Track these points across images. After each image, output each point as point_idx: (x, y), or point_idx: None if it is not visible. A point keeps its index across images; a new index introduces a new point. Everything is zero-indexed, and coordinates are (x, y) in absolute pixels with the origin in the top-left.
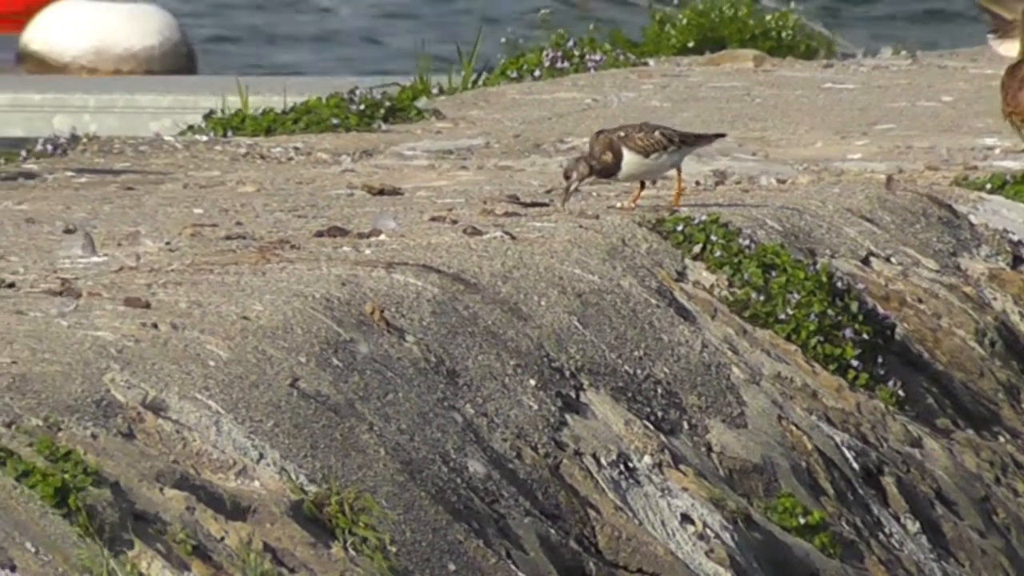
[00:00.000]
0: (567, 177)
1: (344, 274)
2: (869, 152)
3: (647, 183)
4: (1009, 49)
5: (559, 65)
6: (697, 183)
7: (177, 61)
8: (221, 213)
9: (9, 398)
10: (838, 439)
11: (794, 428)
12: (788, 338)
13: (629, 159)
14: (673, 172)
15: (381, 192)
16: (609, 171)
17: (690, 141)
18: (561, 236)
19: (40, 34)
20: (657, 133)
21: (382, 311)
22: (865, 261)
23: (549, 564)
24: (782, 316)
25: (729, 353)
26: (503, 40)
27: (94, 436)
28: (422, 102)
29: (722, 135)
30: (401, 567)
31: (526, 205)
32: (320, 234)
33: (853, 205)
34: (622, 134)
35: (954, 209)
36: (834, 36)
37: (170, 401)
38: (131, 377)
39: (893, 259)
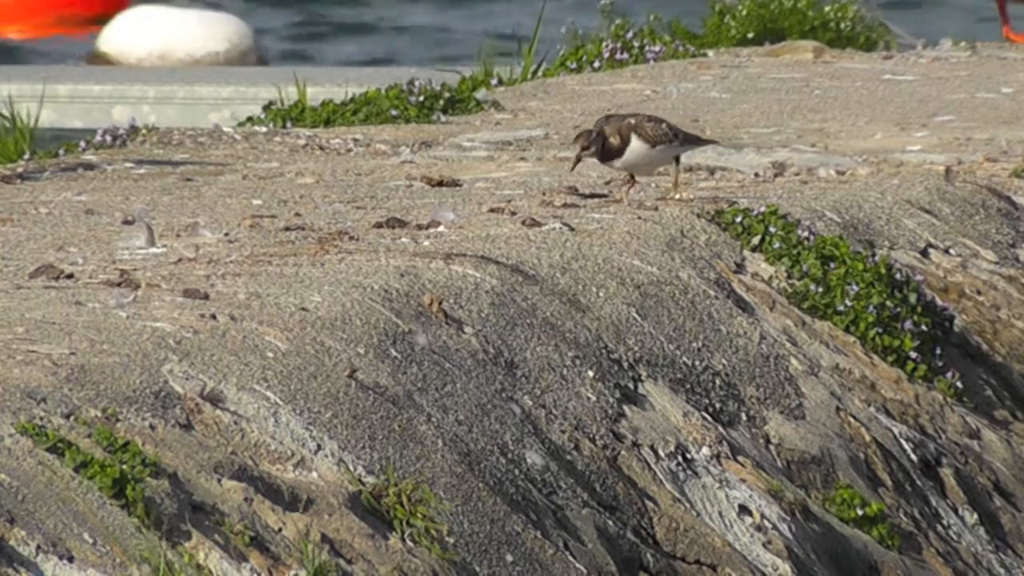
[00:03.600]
0: (582, 147)
1: (403, 265)
2: (928, 144)
3: (636, 178)
4: None
5: (619, 56)
6: (756, 175)
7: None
8: (280, 204)
9: (68, 389)
10: (896, 431)
11: (852, 420)
12: (847, 330)
13: (635, 146)
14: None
15: (440, 183)
16: (612, 155)
17: (691, 140)
18: (620, 227)
19: (110, 36)
20: (664, 125)
21: (440, 302)
22: (924, 253)
23: (607, 555)
24: (841, 308)
25: (788, 345)
26: (563, 30)
27: (152, 427)
28: (481, 93)
29: (715, 142)
30: (459, 558)
31: (585, 196)
32: (379, 225)
33: (912, 197)
34: (633, 121)
35: (1013, 201)
36: (892, 28)
37: (228, 392)
38: (189, 368)
39: (952, 251)
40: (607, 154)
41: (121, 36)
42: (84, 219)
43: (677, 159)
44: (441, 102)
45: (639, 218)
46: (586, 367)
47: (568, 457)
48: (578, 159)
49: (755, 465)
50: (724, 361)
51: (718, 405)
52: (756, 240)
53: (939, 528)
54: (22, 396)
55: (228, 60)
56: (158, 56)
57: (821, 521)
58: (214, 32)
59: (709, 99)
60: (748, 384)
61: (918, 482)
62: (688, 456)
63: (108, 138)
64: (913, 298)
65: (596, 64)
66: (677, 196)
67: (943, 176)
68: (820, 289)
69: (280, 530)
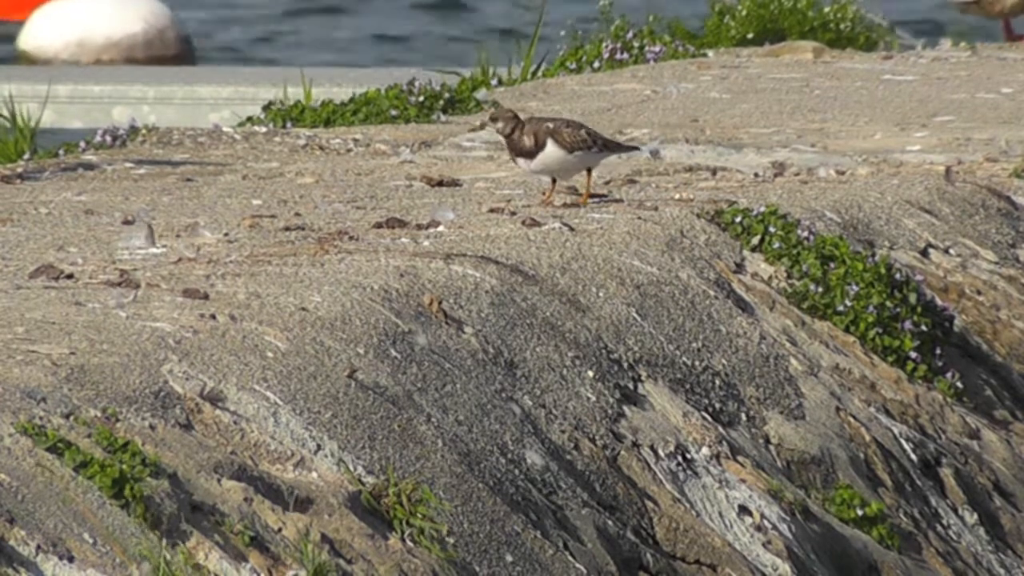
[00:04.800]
0: (491, 118)
1: (403, 265)
2: (928, 144)
3: (557, 180)
4: None
5: (618, 56)
6: (756, 175)
7: (166, 48)
8: (280, 204)
9: (67, 389)
10: (896, 431)
11: (852, 420)
12: (847, 330)
13: (550, 151)
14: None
15: (440, 183)
16: (523, 154)
17: (611, 147)
18: (620, 227)
19: (29, 33)
20: (583, 131)
21: (440, 302)
22: (924, 253)
23: (607, 555)
24: (840, 308)
25: (787, 345)
26: (562, 32)
27: (152, 427)
28: (481, 93)
29: (636, 148)
30: (458, 558)
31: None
32: (379, 225)
33: (912, 197)
34: (551, 126)
35: (1013, 201)
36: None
37: (228, 392)
38: (189, 368)
39: (952, 251)
40: (518, 151)
41: (39, 32)
42: (84, 219)
43: (589, 169)
44: (441, 102)
45: (639, 218)
46: (586, 367)
47: (568, 457)
48: (491, 119)
49: (755, 465)
50: (724, 361)
51: (718, 405)
52: (756, 240)
53: (939, 528)
54: (22, 396)
55: (147, 40)
56: (76, 44)
57: (821, 521)
58: (130, 14)
59: (709, 99)
60: (748, 384)
61: (918, 482)
62: (688, 456)
63: (108, 138)
64: (913, 298)
65: (596, 64)
66: (585, 202)
67: (943, 176)
68: (820, 289)
69: (280, 530)
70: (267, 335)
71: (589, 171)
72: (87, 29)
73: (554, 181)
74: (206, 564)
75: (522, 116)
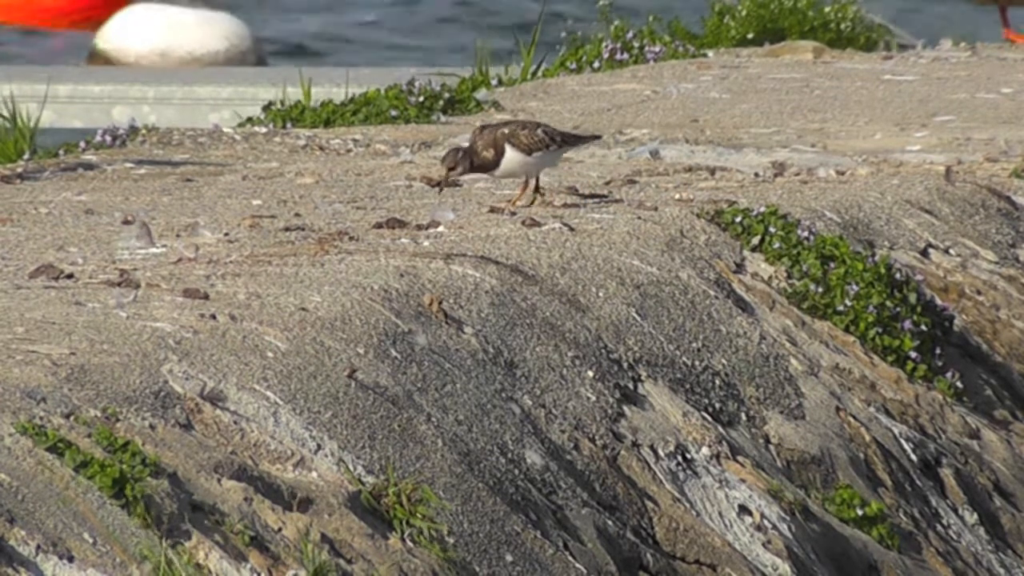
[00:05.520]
0: (449, 168)
1: (403, 265)
2: (928, 144)
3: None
4: None
5: (618, 57)
6: (756, 175)
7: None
8: (280, 204)
9: (68, 389)
10: (896, 431)
11: (852, 420)
12: (846, 330)
13: (511, 156)
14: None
15: (440, 184)
16: (488, 167)
17: (570, 141)
18: (620, 227)
19: (110, 34)
20: (540, 131)
21: (440, 302)
22: (924, 253)
23: (607, 555)
24: (840, 308)
25: (787, 345)
26: (563, 32)
27: (152, 427)
28: (481, 93)
29: (598, 137)
30: (458, 558)
31: (585, 196)
32: (379, 225)
33: (912, 197)
34: (507, 131)
35: (1013, 201)
36: (892, 27)
37: (228, 392)
38: (189, 368)
39: (952, 251)
40: (482, 167)
41: (120, 34)
42: (84, 219)
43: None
44: (441, 102)
45: (639, 218)
46: (586, 367)
47: (568, 457)
48: (445, 182)
49: (755, 465)
50: (724, 361)
51: (718, 405)
52: (756, 240)
53: (939, 528)
54: (22, 396)
55: (228, 59)
56: (158, 54)
57: (821, 521)
58: (213, 31)
59: (709, 99)
60: (748, 384)
61: (918, 482)
62: (688, 456)
63: (108, 138)
64: (913, 298)
65: (596, 64)
66: (520, 203)
67: (943, 176)
68: (820, 289)
69: (280, 530)
70: (267, 335)
71: (536, 178)
72: (170, 40)
73: (526, 183)
74: (206, 564)
75: (469, 137)
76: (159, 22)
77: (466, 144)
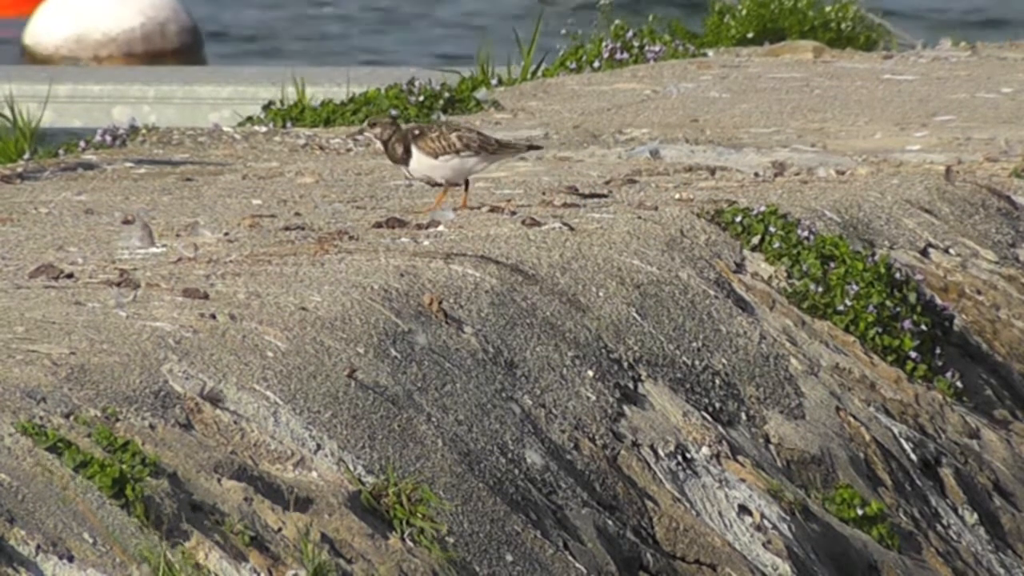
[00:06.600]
0: (370, 124)
1: (402, 265)
2: (928, 143)
3: (448, 184)
4: None
5: (618, 56)
6: (756, 175)
7: (166, 42)
8: (280, 204)
9: (67, 389)
10: (896, 430)
11: (852, 419)
12: (846, 329)
13: (417, 158)
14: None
15: (440, 183)
16: (397, 160)
17: (493, 150)
18: (620, 227)
19: (31, 29)
20: (453, 136)
21: (440, 302)
22: (924, 252)
23: (607, 555)
24: (840, 307)
25: (787, 344)
26: (563, 31)
27: (152, 427)
28: (481, 93)
29: (537, 147)
30: (458, 558)
31: (585, 196)
32: (379, 225)
33: (912, 196)
34: (416, 132)
35: (1013, 201)
36: (892, 27)
37: (228, 392)
38: (189, 368)
39: (952, 250)
40: (392, 159)
41: (40, 27)
42: (84, 219)
43: (466, 181)
44: (441, 102)
45: (639, 218)
46: (586, 367)
47: (568, 457)
48: (368, 127)
49: (755, 465)
50: (724, 361)
51: (718, 405)
52: (756, 240)
53: (939, 527)
54: (22, 396)
55: (145, 34)
56: (75, 41)
57: (821, 521)
58: (130, 10)
59: (709, 99)
60: (748, 384)
61: (918, 482)
62: (688, 456)
63: (108, 138)
64: (913, 298)
65: (596, 64)
66: (433, 211)
67: (943, 176)
68: (820, 289)
69: (280, 530)
70: (267, 335)
71: (467, 183)
72: (86, 25)
73: (466, 184)
74: (206, 564)
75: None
76: (73, 9)
77: (396, 127)
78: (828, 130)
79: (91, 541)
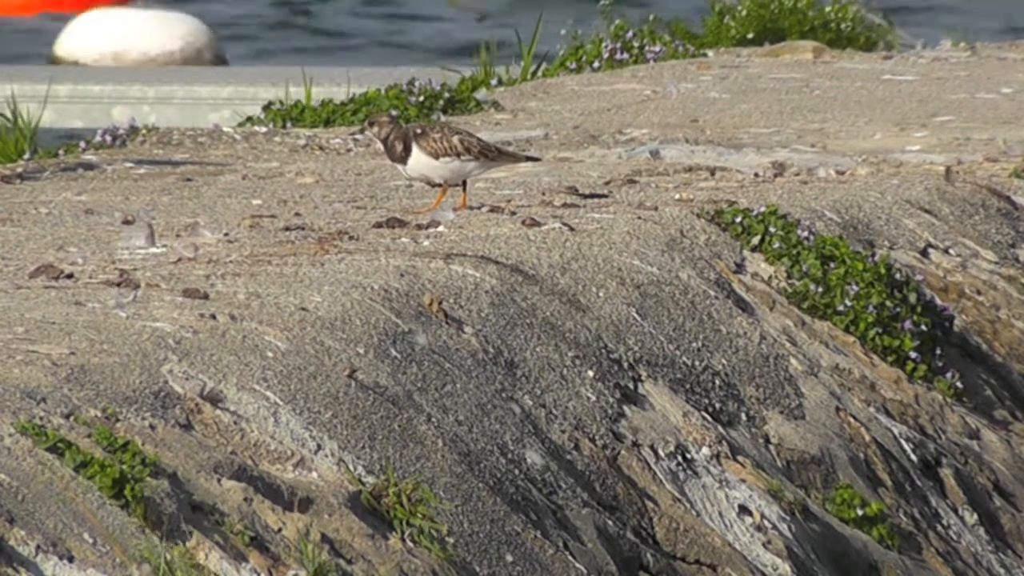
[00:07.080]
0: (370, 123)
1: (403, 265)
2: (928, 144)
3: (465, 184)
4: None
5: (618, 56)
6: (756, 175)
7: (201, 65)
8: (280, 204)
9: (67, 389)
10: (896, 431)
11: (852, 420)
12: (846, 330)
13: (416, 157)
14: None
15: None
16: (396, 158)
17: (492, 156)
18: (620, 227)
19: (66, 41)
20: (455, 139)
21: (440, 302)
22: (924, 253)
23: (607, 555)
24: (840, 308)
25: (787, 345)
26: (563, 32)
27: (152, 427)
28: (481, 93)
29: (536, 159)
30: (458, 558)
31: (585, 196)
32: (379, 225)
33: (912, 197)
34: (418, 131)
35: (1013, 201)
36: (893, 28)
37: (228, 392)
38: (189, 368)
39: (952, 251)
40: (392, 157)
41: (76, 39)
42: (84, 219)
43: (464, 183)
44: (441, 102)
45: (639, 218)
46: (586, 367)
47: (568, 457)
48: (368, 125)
49: (755, 465)
50: (724, 361)
51: (718, 405)
52: (756, 240)
53: (939, 528)
54: (22, 396)
55: (184, 59)
56: (112, 58)
57: (821, 521)
58: (169, 32)
59: (709, 99)
60: (748, 384)
61: (918, 482)
62: (688, 456)
63: (108, 138)
64: (913, 298)
65: (596, 64)
66: (431, 212)
67: (943, 176)
68: (820, 289)
69: (280, 530)
70: (267, 335)
71: (464, 184)
72: (124, 44)
73: (464, 186)
74: (206, 564)
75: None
76: (114, 25)
77: (396, 125)
78: (828, 130)
79: (91, 541)
